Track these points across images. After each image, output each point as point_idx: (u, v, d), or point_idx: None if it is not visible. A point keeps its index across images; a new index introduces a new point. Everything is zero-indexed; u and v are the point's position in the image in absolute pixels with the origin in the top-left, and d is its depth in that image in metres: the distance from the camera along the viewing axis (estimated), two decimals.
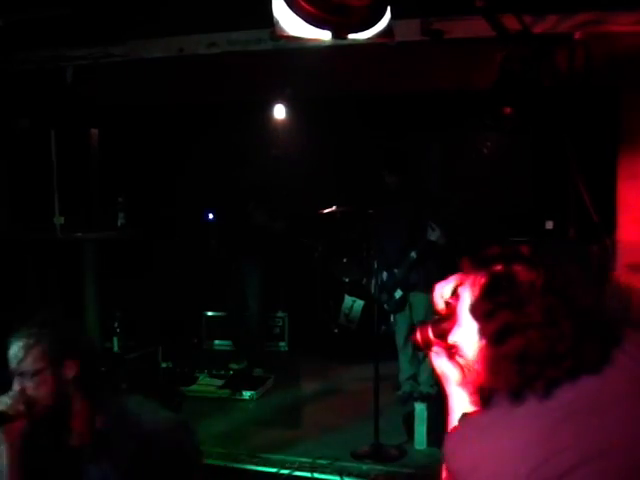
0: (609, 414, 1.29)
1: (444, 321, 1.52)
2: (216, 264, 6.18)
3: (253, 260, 5.82)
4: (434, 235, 4.92)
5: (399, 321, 5.18)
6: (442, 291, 1.53)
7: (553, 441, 1.27)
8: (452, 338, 1.47)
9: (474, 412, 1.45)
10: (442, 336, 1.50)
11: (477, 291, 1.38)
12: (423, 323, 1.56)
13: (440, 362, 1.52)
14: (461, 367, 1.50)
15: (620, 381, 1.33)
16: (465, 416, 1.44)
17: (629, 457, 1.27)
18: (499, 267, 1.38)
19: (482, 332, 1.37)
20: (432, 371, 1.54)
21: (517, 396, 1.33)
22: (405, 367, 5.21)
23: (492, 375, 1.37)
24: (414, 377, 5.18)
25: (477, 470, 1.33)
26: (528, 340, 1.31)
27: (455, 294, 1.48)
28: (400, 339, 5.21)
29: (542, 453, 1.26)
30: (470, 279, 1.42)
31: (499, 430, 1.33)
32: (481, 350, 1.39)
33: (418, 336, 1.55)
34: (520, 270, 1.36)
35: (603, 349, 1.34)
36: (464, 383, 1.50)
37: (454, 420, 1.47)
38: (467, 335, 1.42)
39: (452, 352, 1.50)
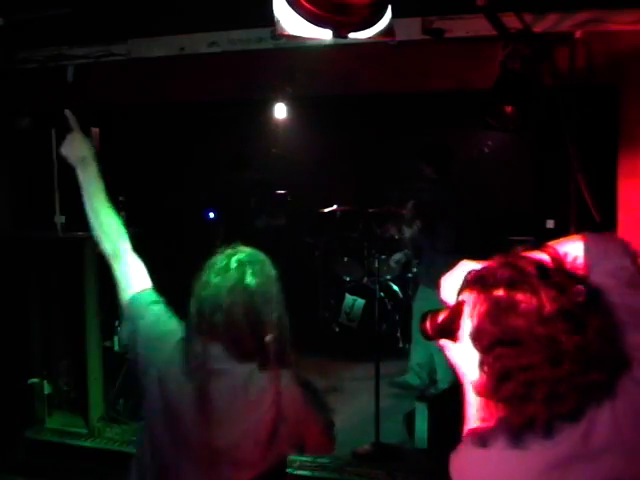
0: (602, 461, 1.26)
1: (451, 320, 1.41)
2: None
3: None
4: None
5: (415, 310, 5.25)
6: (452, 284, 1.44)
7: None
8: (454, 351, 1.40)
9: (478, 435, 1.37)
10: (449, 335, 1.41)
11: (477, 320, 1.31)
12: (433, 312, 1.44)
13: (454, 353, 1.43)
14: None
15: (622, 417, 1.27)
16: (471, 435, 1.37)
17: None
18: (501, 292, 1.29)
19: (482, 367, 1.31)
20: (448, 366, 1.49)
21: (517, 436, 1.28)
22: (415, 354, 5.26)
23: (491, 414, 1.32)
24: (423, 366, 5.19)
25: None
26: (527, 382, 1.26)
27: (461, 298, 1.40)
28: (414, 327, 5.27)
29: None
30: (472, 298, 1.34)
31: (498, 469, 1.31)
32: (481, 383, 1.33)
33: (427, 325, 1.42)
34: (522, 299, 1.27)
35: (610, 379, 1.27)
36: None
37: (471, 416, 1.41)
38: (468, 358, 1.36)
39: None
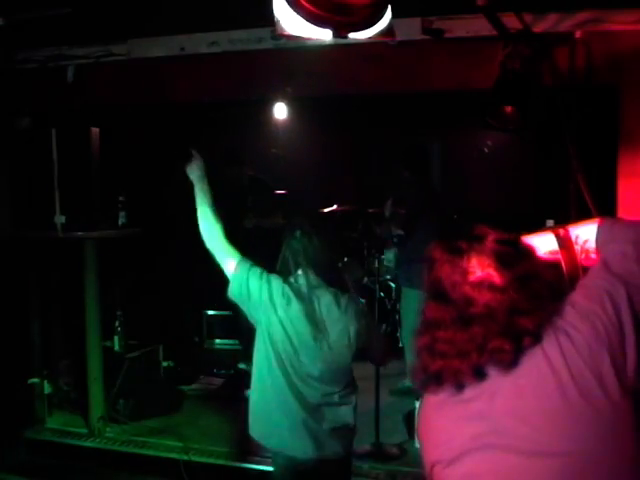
0: (503, 424, 1.39)
1: None
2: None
3: None
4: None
5: (404, 314, 5.26)
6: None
7: (448, 432, 1.47)
8: None
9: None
10: None
11: (434, 273, 1.50)
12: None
13: None
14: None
15: (524, 384, 1.39)
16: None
17: (510, 455, 1.37)
18: (450, 257, 1.48)
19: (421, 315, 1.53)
20: None
21: (436, 385, 1.47)
22: (410, 357, 5.26)
23: (415, 361, 1.52)
24: None
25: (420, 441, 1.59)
26: (436, 337, 1.45)
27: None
28: (404, 332, 5.28)
29: (442, 440, 1.49)
30: (439, 259, 1.53)
31: (430, 414, 1.54)
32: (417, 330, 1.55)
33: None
34: (459, 263, 1.45)
35: (515, 349, 1.39)
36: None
37: None
38: None
39: None
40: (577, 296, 1.45)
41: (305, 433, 2.89)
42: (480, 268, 1.44)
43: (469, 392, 1.43)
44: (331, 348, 2.87)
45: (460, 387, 1.44)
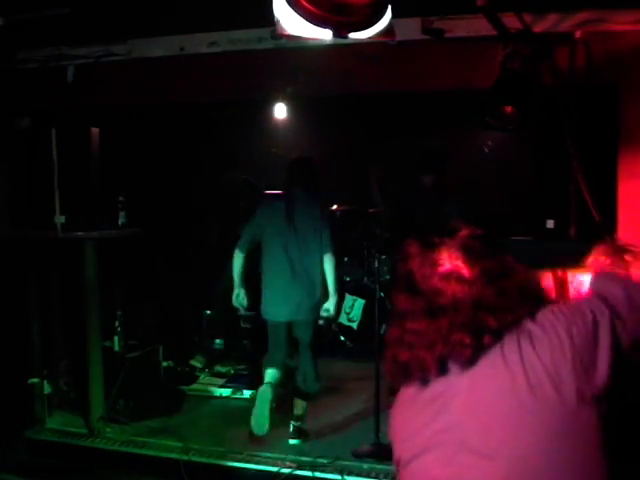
0: (456, 418, 1.42)
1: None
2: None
3: None
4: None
5: None
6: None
7: (412, 429, 1.50)
8: None
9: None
10: None
11: (406, 266, 1.54)
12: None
13: None
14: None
15: (480, 383, 1.42)
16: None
17: (463, 450, 1.40)
18: (422, 250, 1.52)
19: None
20: None
21: (405, 377, 1.51)
22: None
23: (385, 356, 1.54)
24: None
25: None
26: (405, 328, 1.48)
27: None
28: None
29: (406, 437, 1.51)
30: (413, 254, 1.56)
31: (397, 410, 1.58)
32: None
33: None
34: (431, 256, 1.49)
35: (475, 345, 1.41)
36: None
37: None
38: None
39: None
40: (561, 305, 1.48)
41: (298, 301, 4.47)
42: (449, 260, 1.47)
43: (433, 389, 1.47)
44: (303, 230, 4.46)
45: (425, 382, 1.47)
